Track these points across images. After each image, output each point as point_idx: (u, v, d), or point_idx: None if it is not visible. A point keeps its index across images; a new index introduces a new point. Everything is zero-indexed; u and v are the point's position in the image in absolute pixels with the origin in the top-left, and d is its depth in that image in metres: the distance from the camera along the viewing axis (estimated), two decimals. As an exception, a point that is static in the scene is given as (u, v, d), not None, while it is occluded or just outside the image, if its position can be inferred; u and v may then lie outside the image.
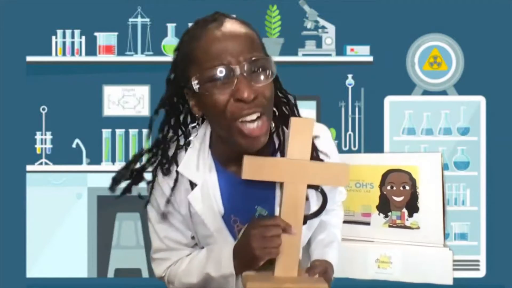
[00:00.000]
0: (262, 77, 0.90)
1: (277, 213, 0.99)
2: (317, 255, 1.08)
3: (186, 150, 1.02)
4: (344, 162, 0.92)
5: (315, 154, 0.98)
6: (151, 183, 1.03)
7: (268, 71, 0.91)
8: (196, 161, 1.00)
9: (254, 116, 0.90)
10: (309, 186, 0.97)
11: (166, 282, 1.10)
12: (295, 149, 0.90)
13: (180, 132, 1.03)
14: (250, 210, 1.02)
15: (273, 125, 0.99)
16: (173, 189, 1.00)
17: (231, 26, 0.91)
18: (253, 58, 0.89)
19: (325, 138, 1.05)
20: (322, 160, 1.00)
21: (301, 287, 0.91)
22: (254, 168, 0.90)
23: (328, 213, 1.16)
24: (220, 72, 0.88)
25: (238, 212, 1.02)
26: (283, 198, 0.91)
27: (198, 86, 0.90)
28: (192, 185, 1.00)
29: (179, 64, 0.96)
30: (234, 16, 0.97)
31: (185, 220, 1.04)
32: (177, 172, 1.00)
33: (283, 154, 0.98)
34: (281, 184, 0.92)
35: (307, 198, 0.98)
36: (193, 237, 1.07)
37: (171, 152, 1.01)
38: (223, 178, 1.01)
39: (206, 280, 1.01)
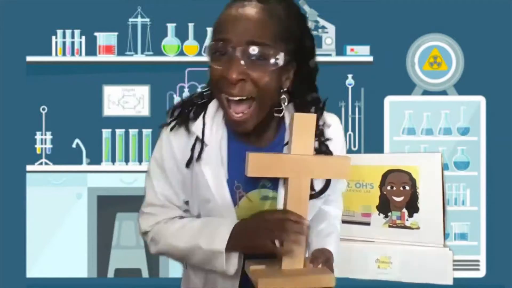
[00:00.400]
0: (259, 64, 0.92)
1: (281, 187, 1.02)
2: (316, 244, 1.09)
3: (203, 112, 1.05)
4: (346, 156, 0.95)
5: (323, 150, 1.02)
6: (161, 136, 1.07)
7: (269, 61, 0.92)
8: (210, 124, 1.03)
9: (235, 98, 0.93)
10: None
11: (148, 239, 1.10)
12: (298, 145, 0.91)
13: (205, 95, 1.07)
14: (254, 179, 1.03)
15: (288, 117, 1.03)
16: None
17: (250, 9, 0.93)
18: (255, 44, 0.91)
19: (336, 133, 1.09)
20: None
21: (310, 279, 0.92)
22: (258, 165, 0.91)
23: (329, 203, 1.17)
24: (220, 46, 0.93)
25: (242, 179, 1.03)
26: (288, 193, 0.92)
27: (207, 54, 0.96)
28: (202, 145, 1.02)
29: None
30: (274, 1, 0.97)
31: (184, 182, 1.05)
32: (189, 131, 1.03)
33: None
34: (286, 180, 0.94)
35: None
36: (186, 203, 1.08)
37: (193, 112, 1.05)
38: (233, 145, 1.04)
39: (193, 249, 1.01)
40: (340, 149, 1.10)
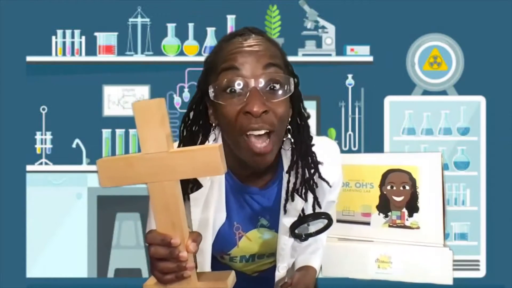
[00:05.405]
0: (276, 94, 0.90)
1: (280, 225, 0.99)
2: (301, 260, 1.08)
3: None
4: (214, 145, 0.74)
5: (315, 180, 0.98)
6: None
7: (284, 89, 0.91)
8: None
9: (261, 131, 0.89)
10: (295, 235, 0.99)
11: None
12: (148, 142, 0.72)
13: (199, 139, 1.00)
14: (253, 219, 1.03)
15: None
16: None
17: (253, 41, 0.92)
18: (270, 75, 0.89)
19: (332, 161, 1.03)
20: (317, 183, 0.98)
21: None
22: (109, 173, 0.75)
23: None
24: (234, 83, 0.89)
25: (241, 219, 1.02)
26: (151, 203, 0.75)
27: (213, 94, 0.91)
28: (195, 186, 0.99)
29: (203, 72, 0.98)
30: (262, 31, 0.98)
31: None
32: None
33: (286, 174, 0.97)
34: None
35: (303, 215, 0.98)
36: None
37: None
38: (230, 185, 1.01)
39: None
40: (337, 179, 1.05)
